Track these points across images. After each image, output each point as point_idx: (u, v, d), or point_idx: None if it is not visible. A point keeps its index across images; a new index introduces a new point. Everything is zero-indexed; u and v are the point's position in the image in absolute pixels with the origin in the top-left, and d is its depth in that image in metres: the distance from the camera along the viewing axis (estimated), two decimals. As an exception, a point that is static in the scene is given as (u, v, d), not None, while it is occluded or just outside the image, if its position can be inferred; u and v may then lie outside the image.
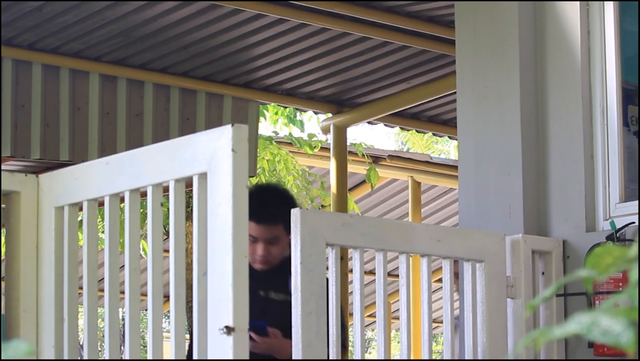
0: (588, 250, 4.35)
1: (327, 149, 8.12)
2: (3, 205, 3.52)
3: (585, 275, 1.01)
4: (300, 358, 3.50)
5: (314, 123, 10.04)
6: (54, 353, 3.35)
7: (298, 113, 10.29)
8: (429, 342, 3.90)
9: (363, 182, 9.68)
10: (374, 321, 4.58)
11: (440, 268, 4.12)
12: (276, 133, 9.85)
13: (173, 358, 3.08)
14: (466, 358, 4.00)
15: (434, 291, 4.22)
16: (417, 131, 8.91)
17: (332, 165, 7.50)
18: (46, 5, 5.93)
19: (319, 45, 6.59)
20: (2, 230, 4.91)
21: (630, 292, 0.96)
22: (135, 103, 6.70)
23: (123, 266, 3.26)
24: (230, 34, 6.36)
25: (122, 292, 3.25)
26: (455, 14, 4.98)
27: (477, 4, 4.83)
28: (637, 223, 4.19)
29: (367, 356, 4.41)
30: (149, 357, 3.14)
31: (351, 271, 3.94)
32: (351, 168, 8.32)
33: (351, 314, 3.83)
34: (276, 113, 9.94)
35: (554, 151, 4.59)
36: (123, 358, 3.27)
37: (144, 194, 3.34)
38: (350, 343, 6.10)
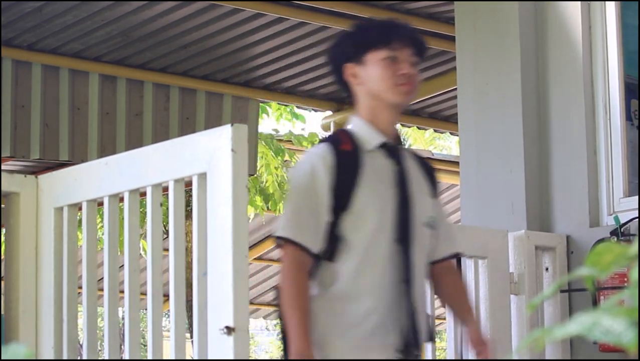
0: (592, 245, 4.33)
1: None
2: (3, 206, 3.51)
3: (586, 273, 1.00)
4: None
5: (315, 119, 10.04)
6: (54, 354, 3.34)
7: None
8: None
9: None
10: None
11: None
12: (277, 131, 9.85)
13: (173, 357, 3.06)
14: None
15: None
16: (418, 128, 8.88)
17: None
18: (46, 6, 5.91)
19: (318, 43, 6.58)
20: (1, 231, 4.92)
21: (631, 291, 0.95)
22: (135, 103, 6.69)
23: (122, 266, 3.25)
24: (230, 33, 6.35)
25: (122, 292, 3.24)
26: (455, 10, 4.96)
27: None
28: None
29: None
30: (149, 357, 3.12)
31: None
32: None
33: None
34: (278, 109, 9.93)
35: (557, 146, 4.57)
36: (123, 358, 3.26)
37: (143, 194, 3.33)
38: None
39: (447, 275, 3.23)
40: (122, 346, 3.36)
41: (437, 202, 3.21)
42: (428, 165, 3.25)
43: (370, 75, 3.07)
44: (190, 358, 3.76)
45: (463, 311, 3.22)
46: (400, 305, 2.99)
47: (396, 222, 3.01)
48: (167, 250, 3.12)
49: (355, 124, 3.13)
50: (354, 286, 2.96)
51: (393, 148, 3.12)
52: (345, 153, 3.04)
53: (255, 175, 9.07)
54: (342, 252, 2.98)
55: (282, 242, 2.97)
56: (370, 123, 3.10)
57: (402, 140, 3.22)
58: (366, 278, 2.97)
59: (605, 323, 0.91)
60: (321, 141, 3.17)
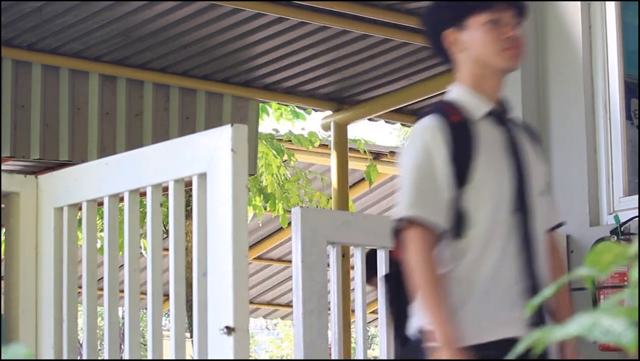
0: (592, 244, 4.34)
1: (328, 146, 8.10)
2: (3, 206, 3.51)
3: (585, 273, 1.00)
4: (301, 357, 3.48)
5: (316, 118, 10.06)
6: (54, 354, 3.34)
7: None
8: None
9: (365, 178, 9.68)
10: (376, 318, 4.58)
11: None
12: (277, 131, 9.85)
13: (173, 357, 3.07)
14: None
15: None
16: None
17: (332, 162, 7.48)
18: (46, 6, 5.91)
19: (318, 43, 6.58)
20: (1, 231, 4.93)
21: (631, 291, 0.95)
22: (135, 103, 6.69)
23: (122, 266, 3.25)
24: (230, 33, 6.35)
25: (122, 291, 3.24)
26: (455, 9, 4.95)
27: None
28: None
29: (369, 353, 4.37)
30: (149, 357, 3.13)
31: (353, 268, 3.93)
32: (352, 165, 8.31)
33: (353, 311, 3.82)
34: (278, 109, 9.94)
35: (557, 146, 4.57)
36: (123, 358, 3.26)
37: (143, 194, 3.33)
38: (352, 340, 6.09)
39: (551, 251, 3.01)
40: (122, 346, 3.36)
41: (545, 169, 3.07)
42: (533, 132, 3.11)
43: (474, 40, 2.93)
44: (190, 358, 3.77)
45: (557, 299, 2.95)
46: (524, 278, 2.82)
47: (514, 191, 2.86)
48: (167, 250, 3.13)
49: (458, 93, 2.96)
50: (481, 263, 2.79)
51: (500, 115, 2.97)
52: (456, 124, 2.88)
53: (255, 175, 9.07)
54: (468, 228, 2.80)
55: (407, 223, 2.78)
56: (474, 90, 2.95)
57: (508, 106, 3.03)
58: (492, 253, 2.80)
59: (605, 323, 0.91)
60: (426, 114, 2.92)
